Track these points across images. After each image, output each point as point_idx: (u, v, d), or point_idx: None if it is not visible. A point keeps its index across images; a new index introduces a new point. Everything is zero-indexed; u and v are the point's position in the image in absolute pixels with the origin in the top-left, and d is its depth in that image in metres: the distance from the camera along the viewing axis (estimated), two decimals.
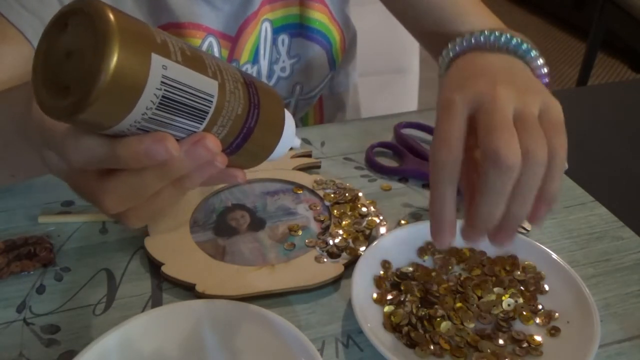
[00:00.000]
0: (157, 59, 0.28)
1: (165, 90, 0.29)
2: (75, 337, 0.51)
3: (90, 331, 0.51)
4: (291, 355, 0.47)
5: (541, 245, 0.58)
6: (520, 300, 0.54)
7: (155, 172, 0.33)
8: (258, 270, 0.57)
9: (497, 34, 0.51)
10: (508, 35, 0.51)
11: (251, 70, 0.78)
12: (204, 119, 0.32)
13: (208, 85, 0.32)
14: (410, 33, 0.79)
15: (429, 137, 0.79)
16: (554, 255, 0.57)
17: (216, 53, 0.74)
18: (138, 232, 0.61)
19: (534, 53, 0.51)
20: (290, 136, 0.40)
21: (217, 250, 0.59)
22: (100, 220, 0.63)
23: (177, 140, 0.32)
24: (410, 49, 1.16)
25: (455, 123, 0.44)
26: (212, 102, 0.32)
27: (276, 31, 0.78)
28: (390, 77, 1.16)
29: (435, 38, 0.77)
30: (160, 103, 0.29)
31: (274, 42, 0.79)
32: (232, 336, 0.49)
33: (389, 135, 0.79)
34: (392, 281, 0.56)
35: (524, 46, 0.51)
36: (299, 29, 0.80)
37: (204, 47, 0.73)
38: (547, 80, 0.52)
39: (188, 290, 0.55)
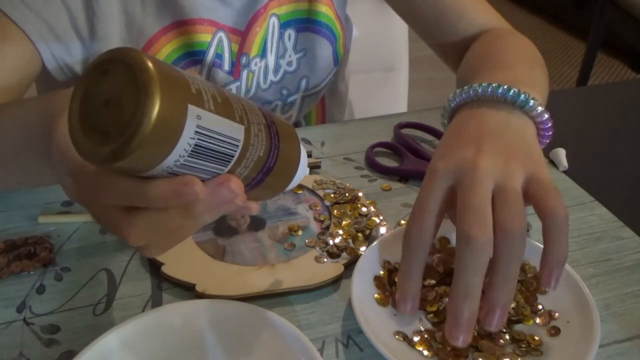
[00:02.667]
0: (192, 110, 0.30)
1: (198, 139, 0.30)
2: (75, 337, 0.51)
3: (90, 331, 0.51)
4: (291, 355, 0.47)
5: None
6: (521, 300, 0.54)
7: (179, 210, 0.34)
8: (258, 270, 0.57)
9: (494, 85, 0.52)
10: (505, 87, 0.52)
11: (260, 64, 0.79)
12: (230, 162, 0.34)
13: (236, 131, 0.33)
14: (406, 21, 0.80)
15: (429, 137, 0.79)
16: None
17: (226, 48, 0.74)
18: None
19: (532, 102, 0.51)
20: (303, 168, 0.42)
21: (217, 250, 0.59)
22: None
23: (202, 180, 0.33)
24: (400, 48, 1.16)
25: (433, 195, 0.48)
26: (238, 146, 0.33)
27: (283, 26, 0.79)
28: (380, 75, 1.16)
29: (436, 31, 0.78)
30: (192, 151, 0.31)
31: (281, 36, 0.79)
32: (232, 336, 0.49)
33: (389, 135, 0.79)
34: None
35: (522, 97, 0.51)
36: (306, 23, 0.80)
37: (214, 42, 0.73)
38: (549, 125, 0.53)
39: (188, 290, 0.55)
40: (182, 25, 0.71)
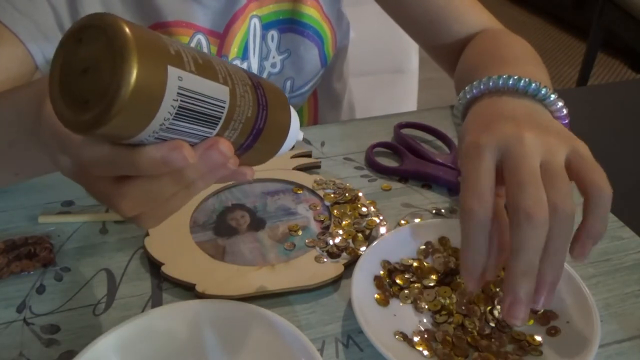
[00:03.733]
0: (173, 71, 0.29)
1: (181, 100, 0.30)
2: (75, 337, 0.51)
3: (90, 331, 0.51)
4: (291, 355, 0.47)
5: None
6: None
7: (171, 177, 0.34)
8: (258, 270, 0.57)
9: (515, 78, 0.51)
10: (526, 80, 0.51)
11: (241, 65, 0.78)
12: (217, 124, 0.33)
13: (220, 92, 0.32)
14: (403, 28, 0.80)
15: (429, 137, 0.79)
16: None
17: (205, 50, 0.74)
18: (138, 232, 0.61)
19: (553, 97, 0.51)
20: (295, 131, 0.41)
21: (217, 250, 0.59)
22: (100, 220, 0.63)
23: (191, 145, 0.33)
24: (410, 49, 1.16)
25: (484, 171, 0.45)
26: (224, 107, 0.33)
27: (265, 27, 0.78)
28: (390, 77, 1.16)
29: (431, 36, 0.77)
30: (177, 113, 0.30)
31: (263, 38, 0.79)
32: (232, 336, 0.49)
33: (389, 135, 0.79)
34: (400, 269, 0.56)
35: (543, 90, 0.51)
36: (289, 24, 0.80)
37: (193, 45, 0.73)
38: (567, 121, 0.52)
39: (188, 290, 0.55)
40: (159, 27, 0.71)
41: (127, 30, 0.28)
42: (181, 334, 0.49)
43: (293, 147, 0.44)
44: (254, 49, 0.78)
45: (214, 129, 0.33)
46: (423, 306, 0.54)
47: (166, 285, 0.56)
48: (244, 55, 0.78)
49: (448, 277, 0.57)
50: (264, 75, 0.81)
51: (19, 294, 0.55)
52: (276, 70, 0.82)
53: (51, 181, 0.65)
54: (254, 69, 0.80)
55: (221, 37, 0.75)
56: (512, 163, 0.45)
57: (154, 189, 0.34)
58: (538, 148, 0.45)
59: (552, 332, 0.51)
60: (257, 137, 0.37)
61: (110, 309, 0.54)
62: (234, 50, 0.76)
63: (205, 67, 0.32)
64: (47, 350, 0.50)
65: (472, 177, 0.45)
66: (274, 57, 0.81)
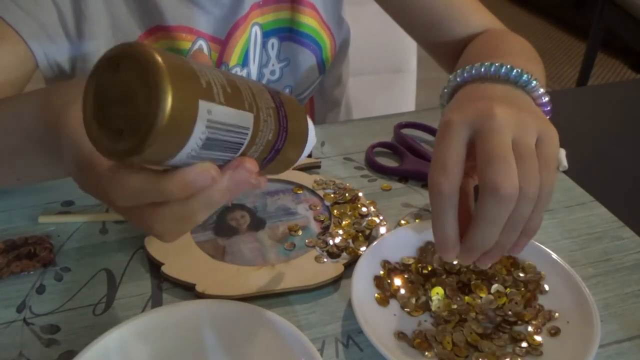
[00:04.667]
0: (203, 105, 0.30)
1: (209, 132, 0.31)
2: (75, 337, 0.51)
3: (90, 331, 0.51)
4: (291, 355, 0.47)
5: (541, 245, 0.58)
6: (521, 302, 0.54)
7: (202, 199, 0.35)
8: (258, 270, 0.57)
9: (497, 65, 0.52)
10: (508, 66, 0.51)
11: (240, 72, 0.78)
12: (239, 149, 0.34)
13: (245, 120, 0.34)
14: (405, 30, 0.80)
15: (429, 137, 0.79)
16: (554, 255, 0.57)
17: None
18: (138, 232, 0.61)
19: (534, 83, 0.51)
20: (311, 142, 0.42)
21: (217, 250, 0.59)
22: (100, 220, 0.63)
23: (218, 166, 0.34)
24: (408, 48, 1.15)
25: (453, 147, 0.46)
26: (247, 134, 0.34)
27: (266, 35, 0.78)
28: (388, 76, 1.16)
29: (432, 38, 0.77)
30: (204, 144, 0.31)
31: (264, 45, 0.79)
32: (232, 336, 0.49)
33: (389, 135, 0.79)
34: (400, 269, 0.56)
35: (525, 77, 0.51)
36: (288, 32, 0.80)
37: (194, 50, 0.73)
38: (548, 108, 0.53)
39: (188, 290, 0.55)
40: (162, 30, 0.71)
41: (161, 61, 0.29)
42: (181, 334, 0.49)
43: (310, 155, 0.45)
44: (254, 56, 0.78)
45: (236, 154, 0.35)
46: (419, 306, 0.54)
47: (166, 285, 0.56)
48: (244, 62, 0.78)
49: (447, 278, 0.57)
50: (264, 82, 0.81)
51: (19, 294, 0.55)
52: (275, 77, 0.82)
53: (51, 181, 0.65)
54: (254, 76, 0.80)
55: (223, 43, 0.75)
56: (482, 137, 0.45)
57: (187, 211, 0.35)
58: (509, 124, 0.45)
59: (552, 332, 0.51)
60: (276, 155, 0.38)
61: (110, 309, 0.54)
62: (234, 57, 0.76)
63: (233, 97, 0.33)
64: (47, 350, 0.50)
65: (440, 152, 0.46)
66: (273, 65, 0.81)
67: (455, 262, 0.56)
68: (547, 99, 0.52)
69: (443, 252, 0.47)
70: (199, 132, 0.30)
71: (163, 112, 0.28)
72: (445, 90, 0.56)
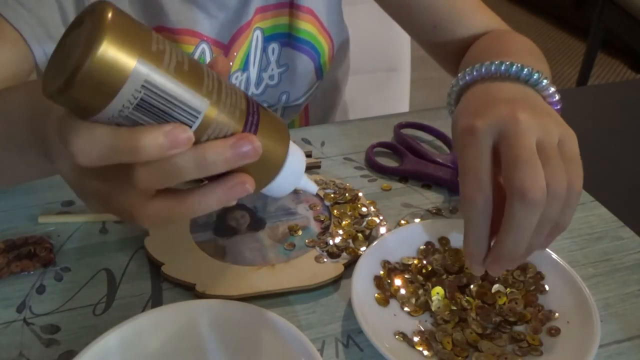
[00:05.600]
0: (142, 63, 0.31)
1: (144, 93, 0.31)
2: (75, 337, 0.51)
3: (90, 331, 0.51)
4: (291, 355, 0.47)
5: None
6: (519, 299, 0.54)
7: (178, 161, 0.34)
8: (258, 270, 0.57)
9: (507, 63, 0.51)
10: (519, 65, 0.51)
11: (241, 77, 0.78)
12: None
13: (195, 101, 0.33)
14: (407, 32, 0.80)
15: (429, 137, 0.79)
16: (554, 255, 0.57)
17: (208, 60, 0.74)
18: (138, 232, 0.61)
19: (545, 82, 0.51)
20: (294, 175, 0.40)
21: (217, 250, 0.59)
22: (100, 220, 0.63)
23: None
24: (402, 47, 1.15)
25: (481, 155, 0.45)
26: (197, 117, 0.33)
27: (267, 39, 0.78)
28: (382, 75, 1.16)
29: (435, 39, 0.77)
30: (137, 104, 0.32)
31: (265, 50, 0.79)
32: (232, 336, 0.49)
33: (389, 135, 0.79)
34: (399, 270, 0.56)
35: (535, 75, 0.50)
36: (287, 38, 0.79)
37: (197, 54, 0.73)
38: (558, 107, 0.52)
39: (188, 290, 0.55)
40: (165, 32, 0.71)
41: (110, 14, 0.31)
42: (181, 334, 0.49)
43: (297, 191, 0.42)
44: (254, 60, 0.78)
45: None
46: (421, 306, 0.54)
47: (166, 285, 0.56)
48: (245, 66, 0.78)
49: (448, 277, 0.57)
50: (262, 87, 0.81)
51: (19, 294, 0.55)
52: (273, 82, 0.81)
53: (51, 181, 0.65)
54: (253, 79, 0.79)
55: (225, 48, 0.75)
56: (507, 142, 0.44)
57: (166, 167, 0.34)
58: (533, 127, 0.45)
59: (552, 332, 0.51)
60: None
61: (110, 309, 0.54)
62: (236, 62, 0.76)
63: (187, 74, 0.33)
64: (47, 350, 0.50)
65: (470, 165, 0.45)
66: (272, 70, 0.80)
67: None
68: (557, 97, 0.52)
69: (475, 265, 0.47)
70: (132, 89, 0.31)
71: (92, 55, 0.29)
72: (454, 89, 0.56)
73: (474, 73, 0.53)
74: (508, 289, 0.55)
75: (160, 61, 0.32)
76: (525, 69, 0.51)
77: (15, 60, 0.63)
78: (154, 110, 0.32)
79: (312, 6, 0.78)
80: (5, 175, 0.54)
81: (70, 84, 0.30)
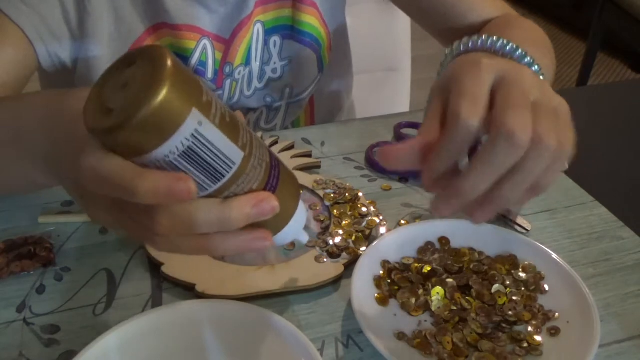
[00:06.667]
0: (195, 114, 0.32)
1: (193, 142, 0.32)
2: (75, 337, 0.51)
3: (90, 331, 0.51)
4: (291, 355, 0.47)
5: (541, 245, 0.58)
6: (519, 299, 0.54)
7: (172, 215, 0.34)
8: (258, 270, 0.57)
9: (494, 38, 0.51)
10: (504, 41, 0.50)
11: (244, 72, 0.78)
12: (219, 181, 0.35)
13: (233, 153, 0.34)
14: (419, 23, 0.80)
15: None
16: (554, 255, 0.57)
17: (210, 55, 0.74)
18: None
19: (537, 67, 0.51)
20: (296, 228, 0.41)
21: None
22: None
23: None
24: (402, 47, 1.16)
25: (485, 84, 0.42)
26: (232, 168, 0.34)
27: (268, 32, 0.78)
28: (382, 75, 1.16)
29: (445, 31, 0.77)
30: (184, 152, 0.32)
31: (266, 43, 0.79)
32: (232, 336, 0.49)
33: (389, 135, 0.79)
34: (400, 269, 0.56)
35: (528, 59, 0.50)
36: (289, 31, 0.79)
37: (198, 49, 0.73)
38: None
39: (188, 290, 0.55)
40: (167, 28, 0.71)
41: (170, 62, 0.31)
42: (181, 334, 0.49)
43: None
44: (256, 53, 0.78)
45: (215, 185, 0.35)
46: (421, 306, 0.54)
47: (166, 285, 0.56)
48: (247, 61, 0.78)
49: (448, 277, 0.57)
50: (265, 80, 0.81)
51: (19, 294, 0.55)
52: (276, 75, 0.81)
53: None
54: (255, 73, 0.79)
55: (227, 43, 0.75)
56: (507, 86, 0.42)
57: (149, 221, 0.34)
58: (535, 86, 0.43)
59: (552, 332, 0.51)
60: None
61: (110, 309, 0.54)
62: (238, 57, 0.76)
63: (229, 126, 0.34)
64: (47, 350, 0.50)
65: (470, 86, 0.42)
66: (275, 63, 0.80)
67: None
68: (542, 77, 0.51)
69: (428, 178, 0.43)
70: (183, 137, 0.31)
71: (152, 101, 0.30)
72: (447, 53, 0.55)
73: (470, 44, 0.52)
74: (508, 289, 0.55)
75: (209, 111, 0.33)
76: (520, 50, 0.50)
77: (19, 57, 0.63)
78: (197, 159, 0.33)
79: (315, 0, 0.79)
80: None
81: (124, 127, 0.30)
